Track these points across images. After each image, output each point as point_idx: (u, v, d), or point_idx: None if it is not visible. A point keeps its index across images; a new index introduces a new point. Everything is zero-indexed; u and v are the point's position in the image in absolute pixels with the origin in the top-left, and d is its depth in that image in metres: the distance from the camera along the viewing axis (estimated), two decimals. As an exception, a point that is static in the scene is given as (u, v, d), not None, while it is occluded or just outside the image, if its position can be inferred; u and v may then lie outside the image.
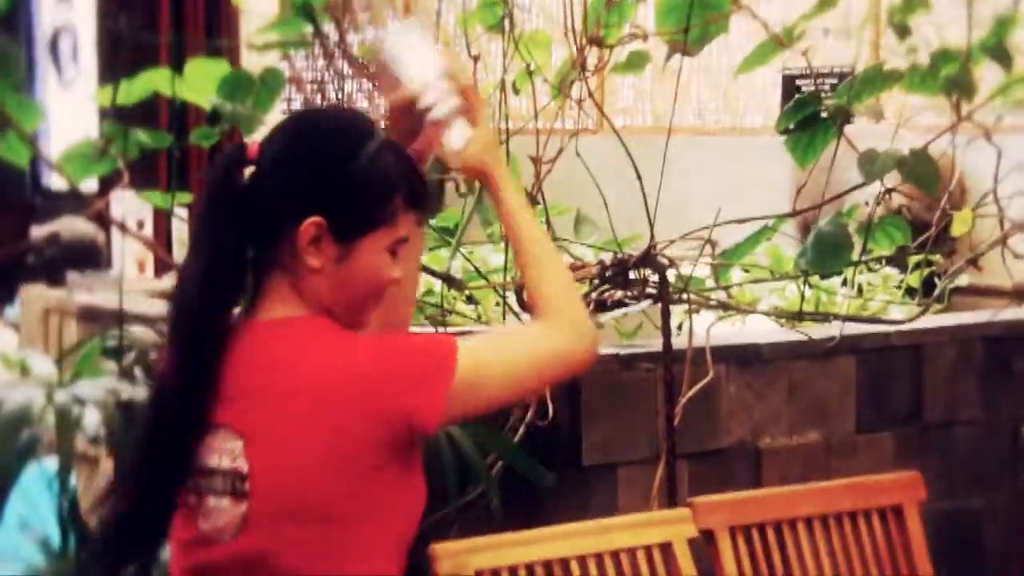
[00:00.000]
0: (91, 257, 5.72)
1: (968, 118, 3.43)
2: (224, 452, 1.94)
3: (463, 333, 2.10)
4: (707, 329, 3.51)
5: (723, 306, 3.70)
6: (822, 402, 3.73)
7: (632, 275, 3.43)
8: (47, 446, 2.96)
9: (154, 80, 3.20)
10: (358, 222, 1.98)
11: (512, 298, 3.46)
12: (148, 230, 5.74)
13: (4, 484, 2.90)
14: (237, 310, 2.03)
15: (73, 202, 5.24)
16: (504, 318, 3.60)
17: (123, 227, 3.75)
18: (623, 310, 3.55)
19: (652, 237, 3.40)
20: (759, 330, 3.98)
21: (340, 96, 4.01)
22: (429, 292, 3.66)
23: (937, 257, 4.29)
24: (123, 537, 2.04)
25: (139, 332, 3.33)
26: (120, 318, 3.21)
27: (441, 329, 3.38)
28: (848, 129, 3.37)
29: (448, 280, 3.52)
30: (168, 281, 4.84)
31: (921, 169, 3.34)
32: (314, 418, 1.92)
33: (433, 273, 3.44)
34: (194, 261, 2.01)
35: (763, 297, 4.33)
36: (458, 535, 2.80)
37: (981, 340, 4.01)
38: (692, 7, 3.25)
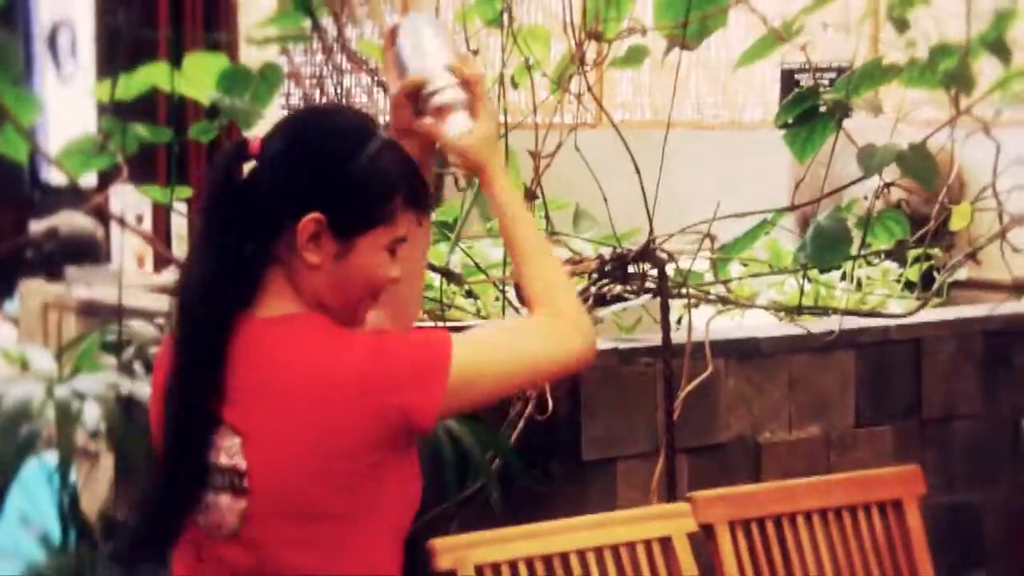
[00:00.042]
0: (90, 252, 5.72)
1: (967, 112, 3.43)
2: (224, 449, 1.94)
3: (462, 328, 2.09)
4: (706, 323, 3.51)
5: (722, 300, 3.71)
6: (821, 396, 3.73)
7: (631, 269, 3.43)
8: (47, 441, 2.97)
9: (153, 75, 3.20)
10: (357, 220, 1.98)
11: (511, 293, 3.46)
12: (147, 225, 5.73)
13: (4, 479, 2.91)
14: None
15: (72, 197, 5.22)
16: (504, 313, 3.60)
17: (122, 222, 3.76)
18: (622, 304, 3.56)
19: (651, 231, 3.40)
20: (758, 324, 3.97)
21: (339, 91, 4.00)
22: (428, 287, 3.65)
23: (936, 251, 4.29)
24: (143, 539, 2.04)
25: (138, 326, 3.34)
26: (119, 313, 3.22)
27: (440, 324, 3.38)
28: (847, 123, 3.36)
29: (447, 274, 3.52)
30: (167, 276, 4.84)
31: (920, 163, 3.34)
32: (311, 416, 1.92)
33: (432, 268, 3.43)
34: (199, 261, 2.01)
35: (762, 291, 4.32)
36: (458, 530, 2.80)
37: (981, 334, 4.01)
38: (691, 1, 3.25)
